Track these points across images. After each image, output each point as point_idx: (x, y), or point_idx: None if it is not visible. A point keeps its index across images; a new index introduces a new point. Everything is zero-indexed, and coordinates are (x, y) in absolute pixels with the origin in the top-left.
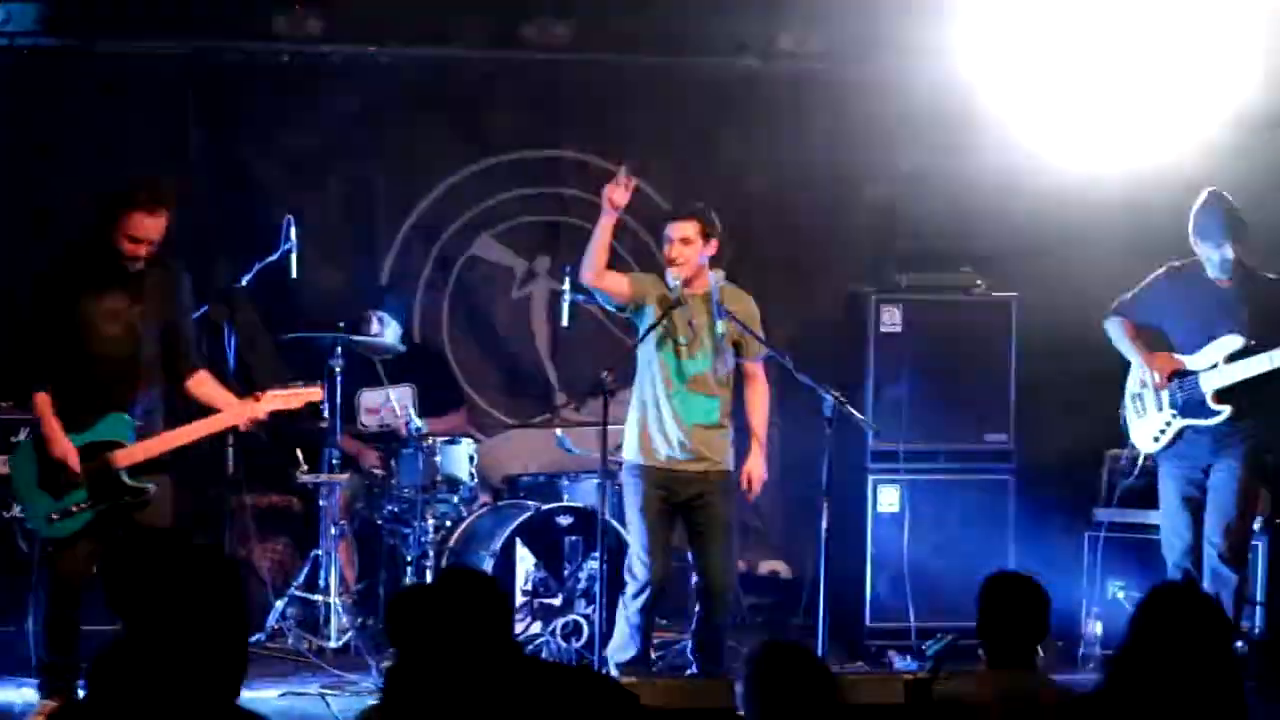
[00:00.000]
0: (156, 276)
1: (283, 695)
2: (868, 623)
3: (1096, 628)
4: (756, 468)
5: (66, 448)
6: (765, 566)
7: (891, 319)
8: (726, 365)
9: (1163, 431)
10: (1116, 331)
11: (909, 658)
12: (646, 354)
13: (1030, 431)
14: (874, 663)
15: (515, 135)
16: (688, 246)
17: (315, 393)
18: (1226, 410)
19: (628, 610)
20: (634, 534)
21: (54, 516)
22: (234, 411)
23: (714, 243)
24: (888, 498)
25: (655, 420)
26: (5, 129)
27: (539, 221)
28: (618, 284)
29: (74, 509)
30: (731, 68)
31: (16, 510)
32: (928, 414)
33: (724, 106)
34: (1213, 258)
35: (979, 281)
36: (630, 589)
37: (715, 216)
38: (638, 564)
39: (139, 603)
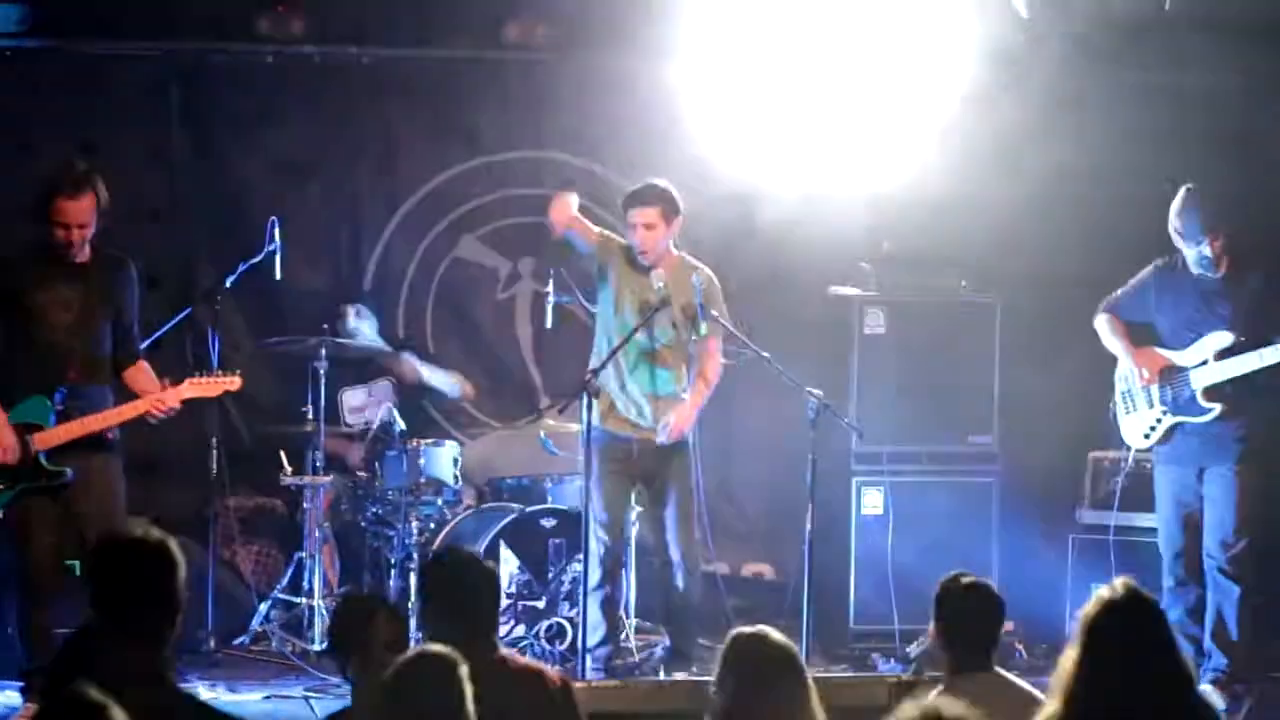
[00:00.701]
0: (104, 266)
1: (266, 698)
2: (852, 625)
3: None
4: (680, 415)
5: (8, 438)
6: (749, 569)
7: (875, 321)
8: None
9: (1153, 428)
10: (1105, 329)
11: (892, 660)
12: (607, 325)
13: (1014, 433)
14: (858, 665)
15: (499, 136)
16: (652, 231)
17: (234, 381)
18: (1217, 408)
19: (589, 581)
20: (592, 504)
21: None
22: (147, 399)
23: (677, 221)
24: (872, 500)
25: (617, 392)
26: None
27: (523, 223)
28: (586, 231)
29: None
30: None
31: None
32: (911, 416)
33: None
34: (1192, 255)
35: (963, 283)
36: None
37: (675, 193)
38: (593, 536)
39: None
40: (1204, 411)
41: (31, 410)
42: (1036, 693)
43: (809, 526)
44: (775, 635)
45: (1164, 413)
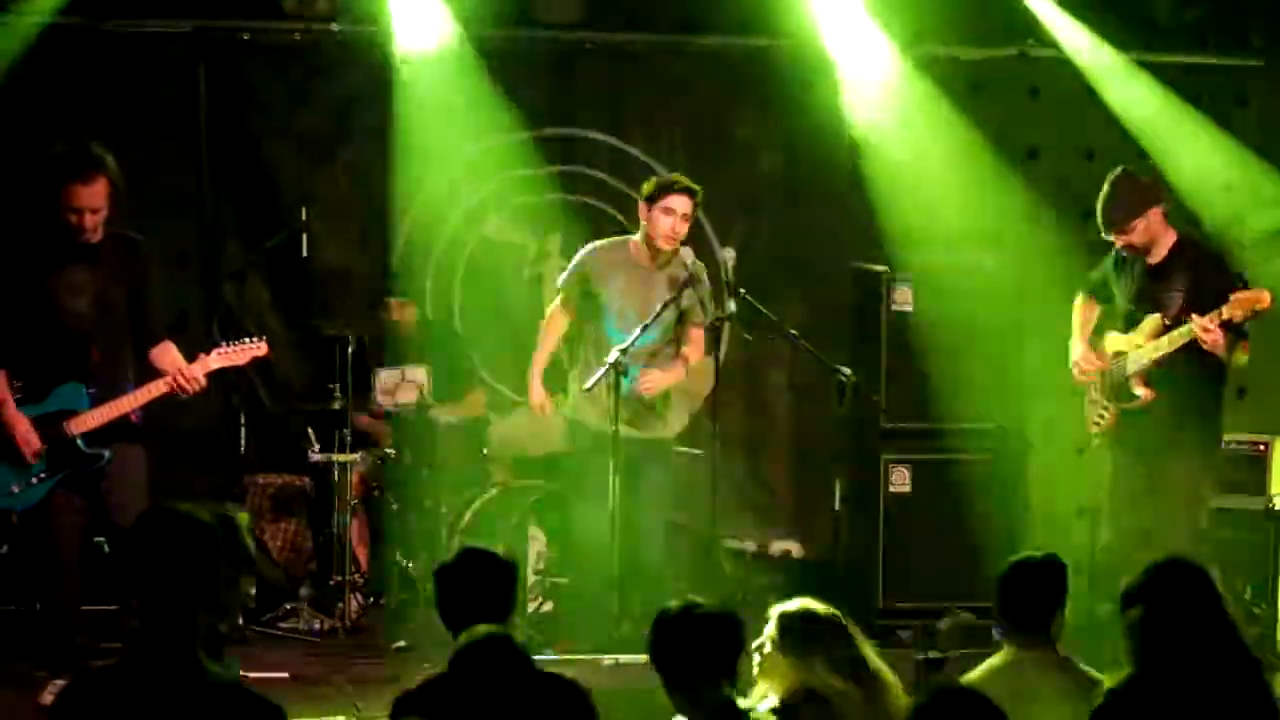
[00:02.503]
0: (118, 247)
1: (294, 677)
2: (880, 603)
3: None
4: (655, 375)
5: (24, 430)
6: (777, 546)
7: (904, 298)
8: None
9: (1101, 417)
10: (1075, 314)
11: (921, 637)
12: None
13: (1042, 412)
14: (886, 642)
15: (526, 113)
16: (686, 222)
17: (260, 346)
18: (1143, 393)
19: None
20: None
21: (14, 489)
22: (172, 373)
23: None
24: (899, 478)
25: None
26: (18, 108)
27: (551, 200)
28: (559, 326)
29: (34, 480)
30: (740, 45)
31: None
32: (939, 394)
33: (734, 85)
34: (1118, 242)
35: (990, 260)
36: None
37: None
38: None
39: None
40: (1134, 397)
41: (67, 397)
42: (1096, 673)
43: (837, 504)
44: (819, 607)
45: (1109, 400)
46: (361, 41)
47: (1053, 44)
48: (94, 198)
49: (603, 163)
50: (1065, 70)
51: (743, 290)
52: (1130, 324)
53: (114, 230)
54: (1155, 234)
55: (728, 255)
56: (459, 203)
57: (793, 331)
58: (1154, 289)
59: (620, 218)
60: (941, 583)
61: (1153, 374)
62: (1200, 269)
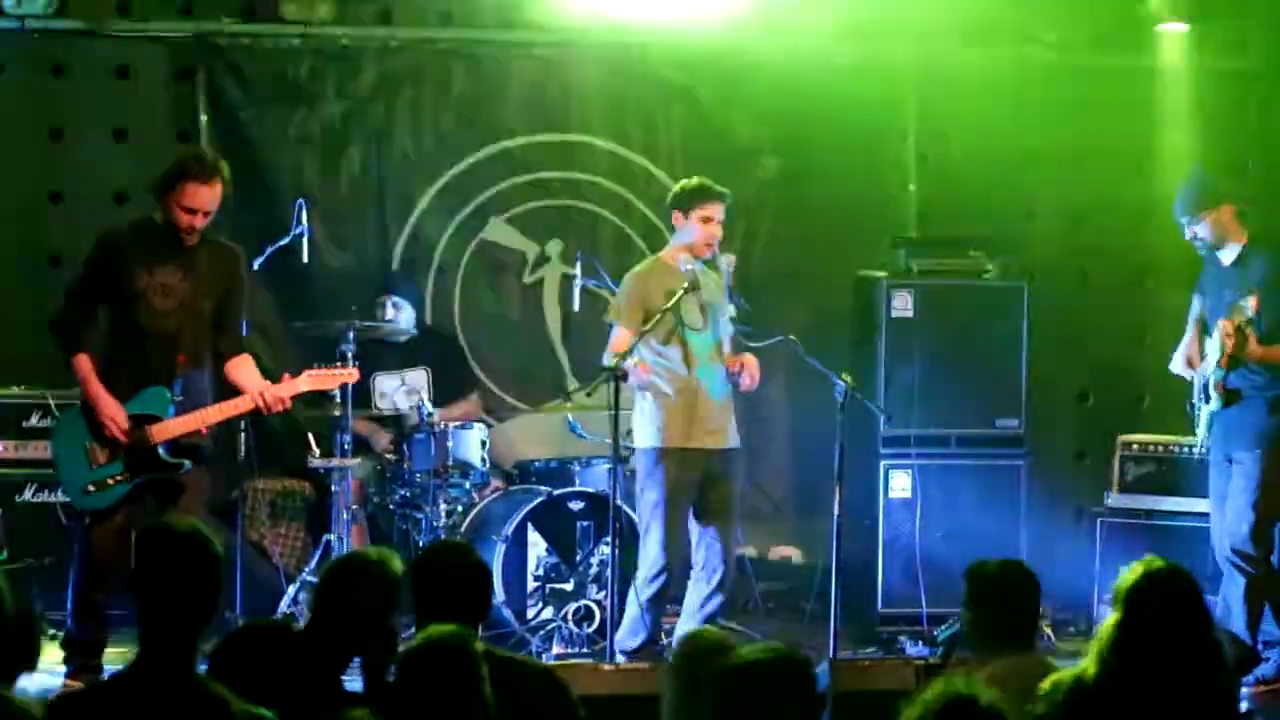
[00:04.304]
0: (213, 254)
1: None
2: (880, 608)
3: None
4: (751, 360)
5: (114, 408)
6: (777, 552)
7: (903, 304)
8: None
9: (1197, 419)
10: (1190, 313)
11: (921, 643)
12: (658, 341)
13: (1042, 417)
14: (886, 648)
15: (526, 118)
16: (720, 228)
17: (352, 373)
18: (1218, 396)
19: (640, 595)
20: (655, 520)
21: (90, 488)
22: (255, 393)
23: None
24: (900, 483)
25: (681, 402)
26: (17, 111)
27: (551, 205)
28: (627, 341)
29: (110, 481)
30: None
31: (60, 493)
32: (939, 399)
33: (730, 86)
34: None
35: (990, 266)
36: (644, 574)
37: None
38: (656, 549)
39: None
40: (1213, 400)
41: (151, 401)
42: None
43: (837, 510)
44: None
45: (1200, 402)
46: (361, 46)
47: None
48: (209, 199)
49: (601, 169)
50: None
51: (741, 297)
52: (1213, 324)
53: (212, 238)
54: (1226, 232)
55: (726, 261)
56: (460, 207)
57: (791, 337)
58: (1224, 290)
59: (619, 222)
60: (942, 588)
61: (1227, 376)
62: (1266, 271)
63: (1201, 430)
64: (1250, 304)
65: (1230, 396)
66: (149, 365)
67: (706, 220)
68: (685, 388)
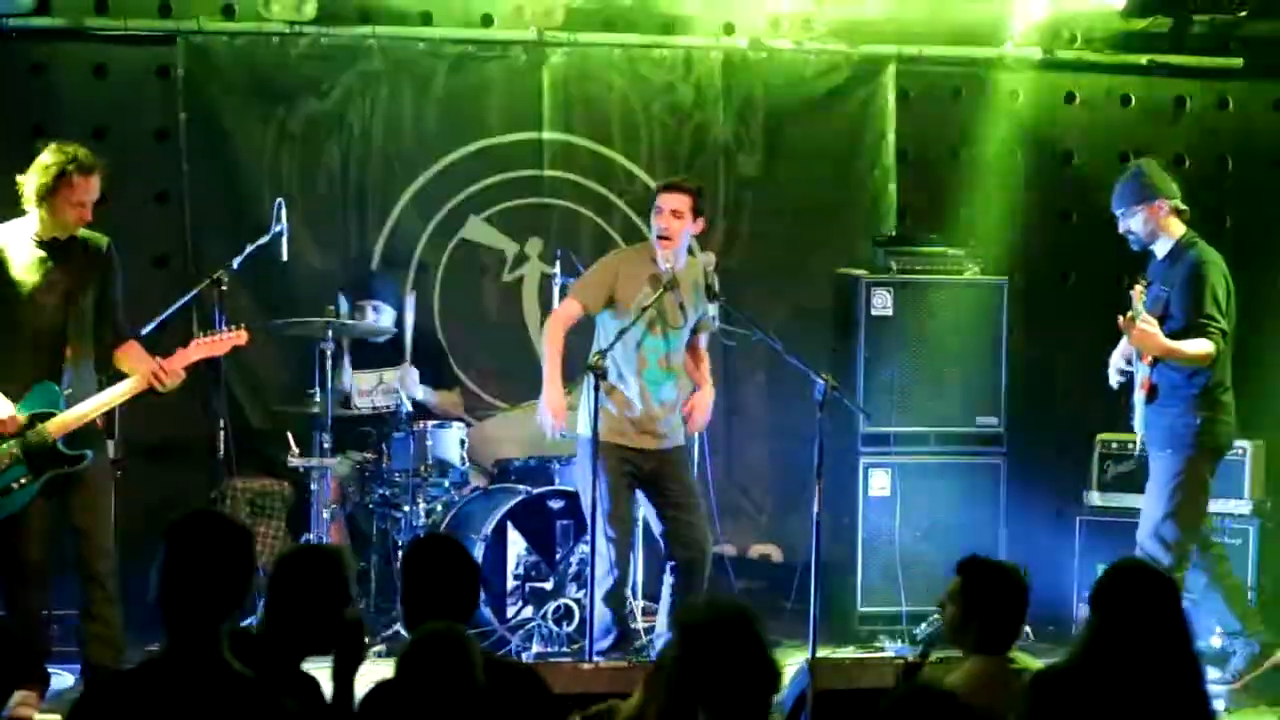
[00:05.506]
0: (86, 246)
1: None
2: (859, 606)
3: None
4: (702, 403)
5: (6, 407)
6: (756, 550)
7: (883, 302)
8: (685, 343)
9: (1134, 415)
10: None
11: (900, 641)
12: (616, 333)
13: (1021, 415)
14: (866, 646)
15: (506, 117)
16: (677, 220)
17: (240, 335)
18: (1143, 392)
19: (596, 595)
20: (599, 517)
21: None
22: (150, 365)
23: (700, 221)
24: (879, 481)
25: (622, 399)
26: None
27: (530, 204)
28: (572, 316)
29: (15, 486)
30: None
31: None
32: (919, 397)
33: (711, 86)
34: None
35: (969, 265)
36: (598, 573)
37: (705, 197)
38: (602, 544)
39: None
40: (1141, 396)
41: (41, 398)
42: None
43: (816, 508)
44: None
45: (1137, 397)
46: (344, 45)
47: None
48: (94, 190)
49: (579, 168)
50: None
51: (721, 296)
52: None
53: (83, 232)
54: (1158, 228)
55: (707, 260)
56: (439, 206)
57: (772, 338)
58: (1156, 285)
59: (599, 221)
60: (921, 586)
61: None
62: (1187, 269)
63: (1138, 425)
64: (1134, 293)
65: (1152, 393)
66: (35, 362)
67: (659, 211)
68: (631, 387)
